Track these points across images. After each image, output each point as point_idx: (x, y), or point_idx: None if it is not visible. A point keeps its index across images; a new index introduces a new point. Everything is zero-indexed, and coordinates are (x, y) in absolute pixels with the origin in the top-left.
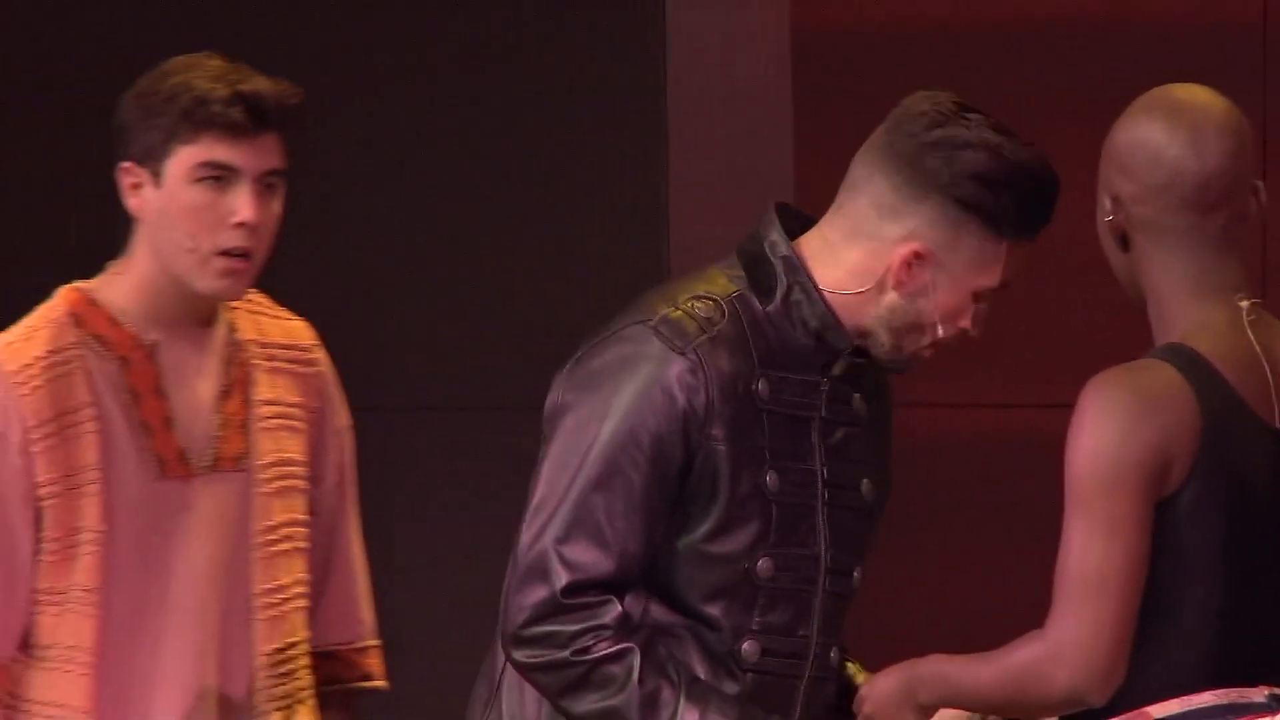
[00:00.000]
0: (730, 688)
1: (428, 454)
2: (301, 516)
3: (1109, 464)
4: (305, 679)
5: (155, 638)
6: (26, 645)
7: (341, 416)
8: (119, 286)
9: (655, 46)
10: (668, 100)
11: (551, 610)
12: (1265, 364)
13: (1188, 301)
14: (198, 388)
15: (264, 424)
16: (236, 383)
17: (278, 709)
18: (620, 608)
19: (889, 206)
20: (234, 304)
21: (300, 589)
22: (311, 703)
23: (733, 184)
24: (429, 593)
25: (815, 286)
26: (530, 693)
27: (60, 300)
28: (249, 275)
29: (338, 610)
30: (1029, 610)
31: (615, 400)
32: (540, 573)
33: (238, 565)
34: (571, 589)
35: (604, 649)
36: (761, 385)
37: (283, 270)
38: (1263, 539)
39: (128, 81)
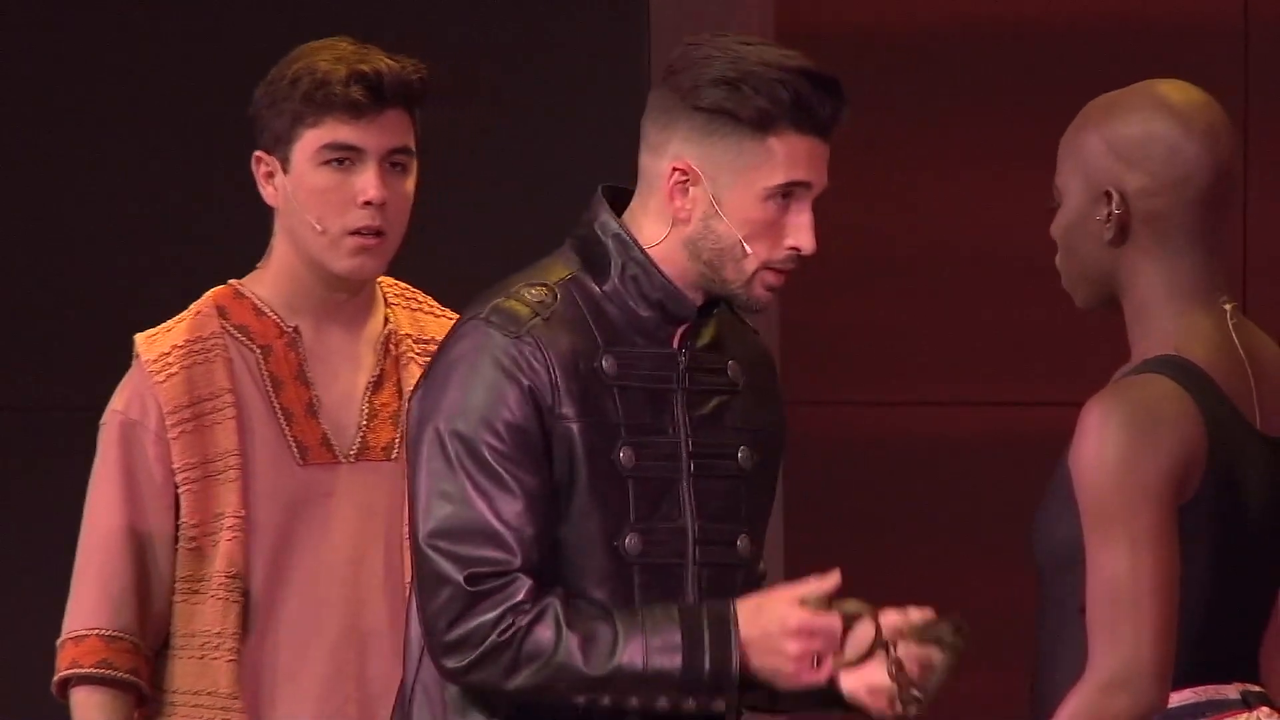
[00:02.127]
0: None
1: None
2: None
3: (1134, 478)
4: None
5: (301, 623)
6: (169, 635)
7: None
8: (263, 278)
9: (638, 48)
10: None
11: (462, 605)
12: (1249, 370)
13: (1177, 303)
14: (347, 377)
15: None
16: (388, 374)
17: None
18: (530, 581)
19: (655, 144)
20: (394, 301)
21: None
22: None
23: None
24: None
25: (648, 257)
26: (439, 704)
27: (209, 295)
28: (383, 253)
29: None
30: (1029, 607)
31: (463, 397)
32: (439, 576)
33: (388, 553)
34: (473, 579)
35: (525, 619)
36: (606, 362)
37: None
38: (1250, 541)
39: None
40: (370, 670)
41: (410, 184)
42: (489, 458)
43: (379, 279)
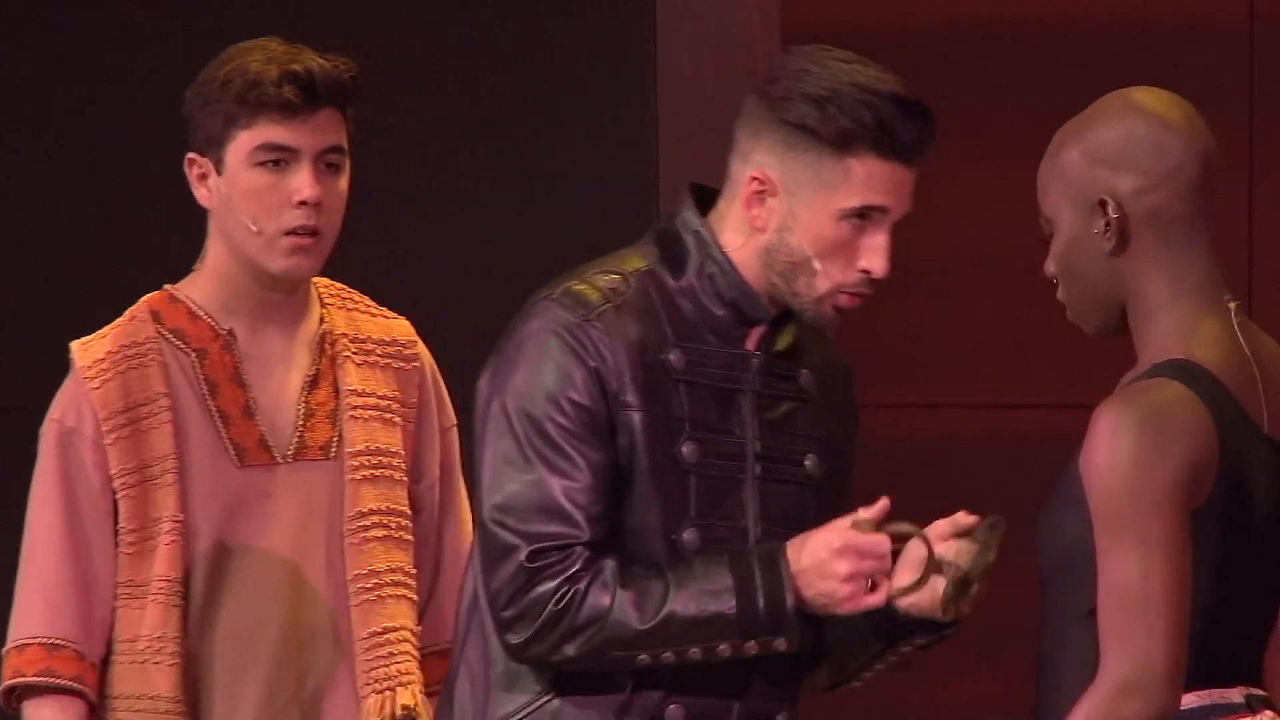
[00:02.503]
0: (671, 665)
1: None
2: (399, 507)
3: (1146, 483)
4: (408, 665)
5: (242, 625)
6: (111, 641)
7: (445, 415)
8: (198, 281)
9: (645, 48)
10: (658, 101)
11: (524, 580)
12: (1256, 371)
13: (1183, 304)
14: (283, 377)
15: (354, 413)
16: (324, 373)
17: (377, 692)
18: (588, 553)
19: (742, 151)
20: (329, 301)
21: (398, 578)
22: (415, 688)
23: (723, 184)
24: None
25: (727, 258)
26: (483, 682)
27: (144, 300)
28: (318, 252)
29: (451, 608)
30: (1029, 608)
31: (530, 373)
32: (502, 551)
33: (328, 552)
34: (535, 554)
35: (582, 585)
36: (674, 356)
37: None
38: (1257, 546)
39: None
40: (312, 669)
41: (344, 183)
42: (555, 435)
43: (314, 279)
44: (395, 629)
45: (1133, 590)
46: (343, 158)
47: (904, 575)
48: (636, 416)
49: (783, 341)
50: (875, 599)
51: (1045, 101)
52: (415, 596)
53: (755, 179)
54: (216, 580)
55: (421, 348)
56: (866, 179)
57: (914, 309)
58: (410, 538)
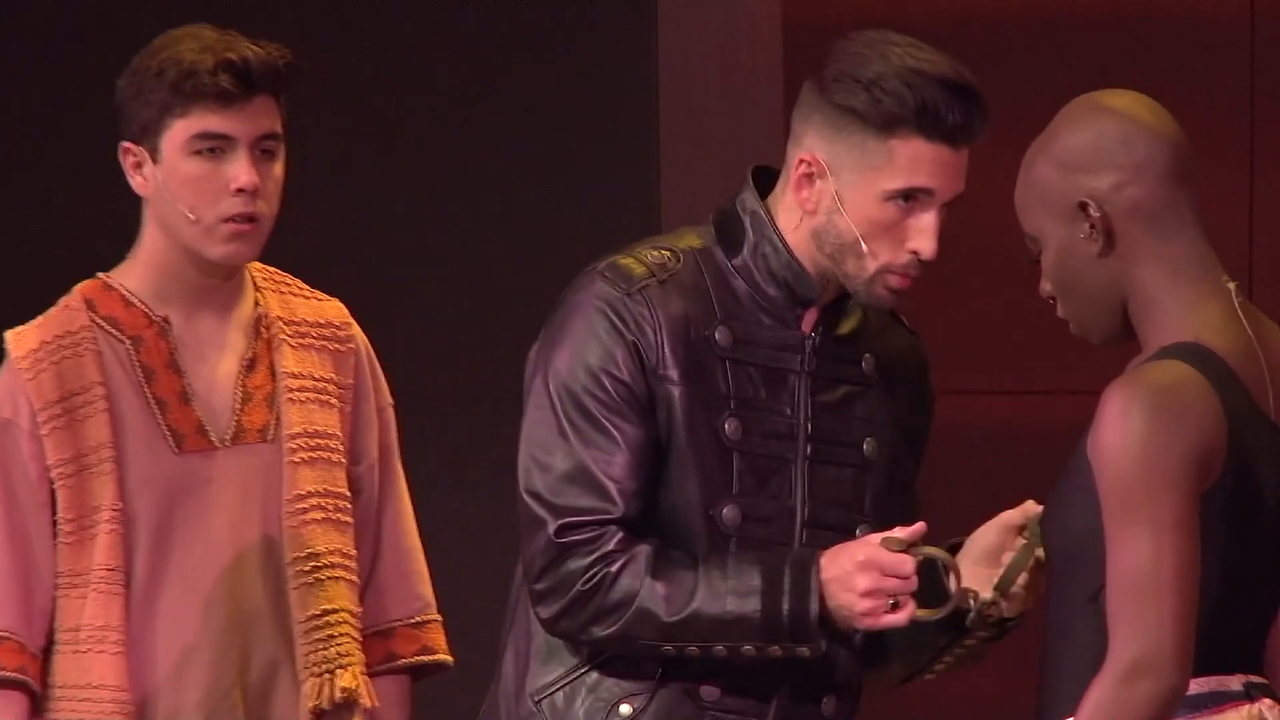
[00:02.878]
0: None
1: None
2: (337, 489)
3: (1157, 464)
4: (349, 646)
5: (184, 611)
6: (53, 631)
7: (381, 396)
8: (132, 269)
9: (647, 40)
10: (659, 93)
11: (554, 554)
12: (1260, 354)
13: (1184, 290)
14: (218, 362)
15: (291, 396)
16: (261, 357)
17: (315, 675)
18: (622, 532)
19: (796, 134)
20: (263, 285)
21: (338, 559)
22: (355, 669)
23: (724, 177)
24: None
25: (781, 238)
26: (525, 656)
27: (77, 288)
28: (257, 238)
29: (392, 588)
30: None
31: (571, 346)
32: (535, 522)
33: (267, 535)
34: (564, 529)
35: (615, 567)
36: (720, 333)
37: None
38: (1261, 533)
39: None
40: (254, 652)
41: (280, 168)
42: (593, 409)
43: (248, 264)
44: (334, 611)
45: (1143, 572)
46: (278, 144)
47: (931, 605)
48: (676, 391)
49: (846, 325)
50: (896, 618)
51: (1047, 94)
52: (355, 578)
53: (804, 161)
54: (157, 567)
55: (356, 329)
56: (911, 161)
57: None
58: (349, 520)
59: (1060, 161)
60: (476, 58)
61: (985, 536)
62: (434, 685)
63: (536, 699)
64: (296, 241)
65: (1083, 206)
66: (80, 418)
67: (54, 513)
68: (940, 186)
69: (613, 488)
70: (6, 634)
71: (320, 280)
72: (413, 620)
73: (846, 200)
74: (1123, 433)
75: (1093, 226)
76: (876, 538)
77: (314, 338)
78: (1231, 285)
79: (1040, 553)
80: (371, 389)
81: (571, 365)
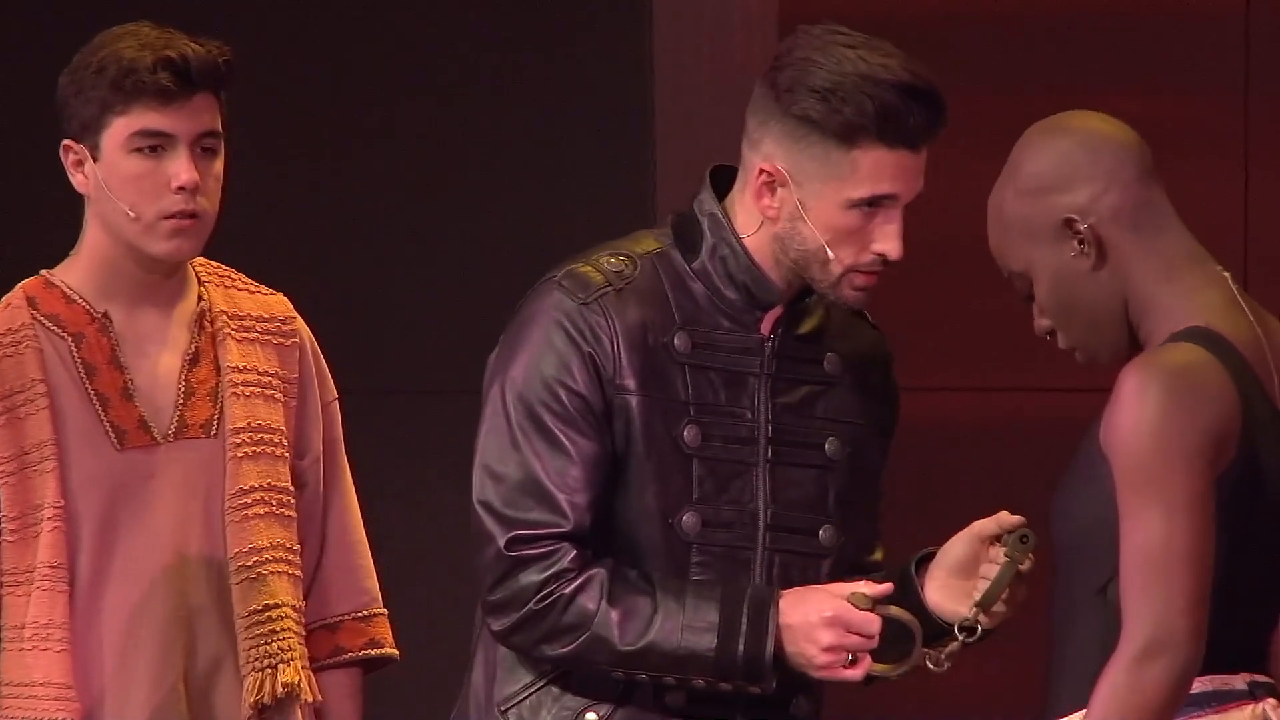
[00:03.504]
0: None
1: (417, 437)
2: (281, 483)
3: (1173, 443)
4: (290, 641)
5: (128, 607)
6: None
7: (326, 390)
8: (74, 266)
9: (642, 33)
10: (655, 87)
11: (505, 567)
12: (1265, 342)
13: (1181, 280)
14: (160, 358)
15: (235, 390)
16: (204, 351)
17: (257, 670)
18: (576, 550)
19: (753, 140)
20: (206, 279)
21: (280, 554)
22: (297, 664)
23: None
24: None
25: (740, 241)
26: (493, 664)
27: (19, 287)
28: (198, 233)
29: (338, 582)
30: (1037, 594)
31: (527, 357)
32: (484, 536)
33: (210, 530)
34: (515, 541)
35: (569, 588)
36: (679, 339)
37: (272, 266)
38: (1267, 525)
39: None
40: (200, 647)
41: (220, 165)
42: (547, 421)
43: (190, 261)
44: (276, 606)
45: (1156, 551)
46: (218, 141)
47: (889, 663)
48: (634, 400)
49: (807, 325)
50: (852, 674)
51: (1043, 89)
52: (298, 572)
53: (764, 171)
54: (101, 564)
55: (300, 323)
56: (874, 169)
57: (911, 294)
58: (292, 514)
59: (1031, 189)
60: (470, 51)
61: (957, 547)
62: (387, 682)
63: (503, 708)
64: (279, 236)
65: (1068, 223)
66: (21, 416)
67: None
68: (903, 190)
69: (564, 500)
70: None
71: (296, 276)
72: (359, 614)
73: (810, 209)
74: (1139, 412)
75: (1082, 241)
76: (842, 589)
77: (258, 331)
78: (1226, 274)
79: (1023, 567)
80: (316, 383)
81: (527, 376)
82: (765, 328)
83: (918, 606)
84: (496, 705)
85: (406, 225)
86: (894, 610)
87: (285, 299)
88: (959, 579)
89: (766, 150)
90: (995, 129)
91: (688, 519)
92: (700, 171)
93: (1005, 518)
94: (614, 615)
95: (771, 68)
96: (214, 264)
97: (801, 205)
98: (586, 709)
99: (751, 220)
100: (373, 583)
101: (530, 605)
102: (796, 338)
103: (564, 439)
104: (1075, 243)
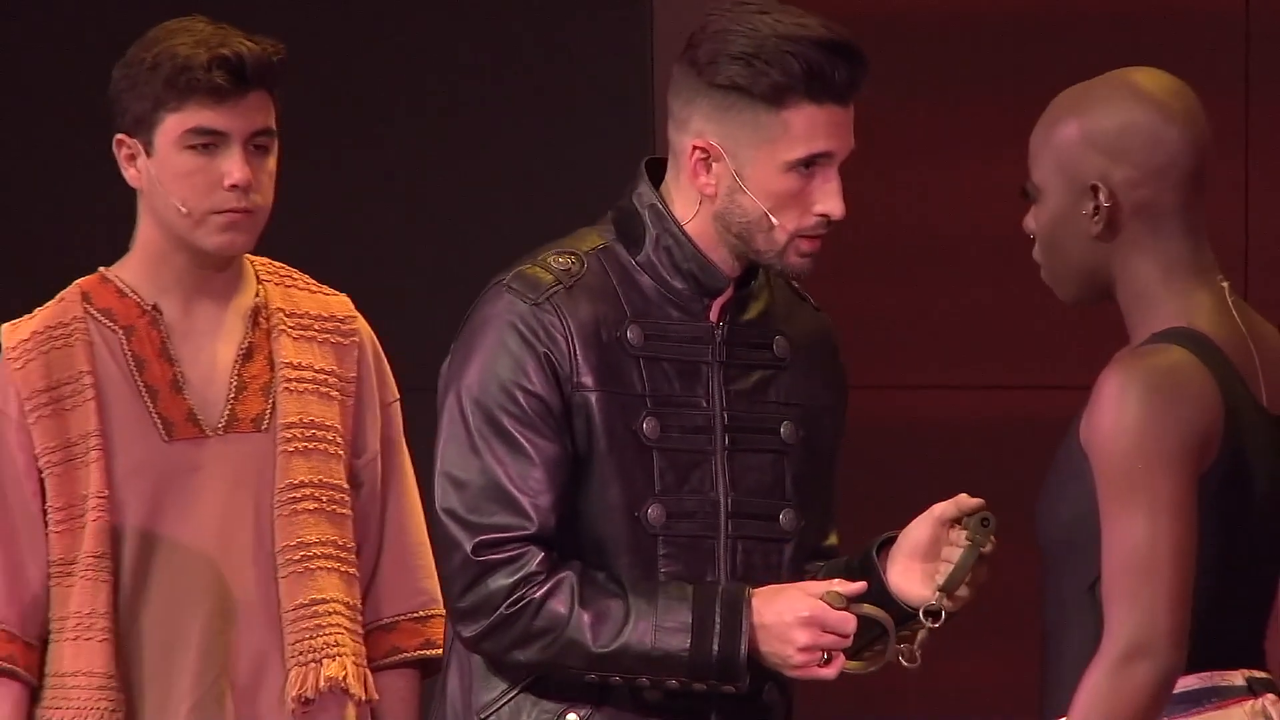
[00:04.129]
0: None
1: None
2: (333, 480)
3: (1155, 445)
4: (338, 637)
5: (172, 599)
6: (48, 620)
7: (387, 390)
8: (128, 262)
9: (642, 32)
10: (654, 89)
11: (473, 574)
12: (1252, 346)
13: (1177, 283)
14: (213, 351)
15: (288, 386)
16: (259, 346)
17: (300, 664)
18: (543, 553)
19: (679, 121)
20: (266, 278)
21: (329, 550)
22: (345, 660)
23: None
24: None
25: (682, 230)
26: (467, 671)
27: (76, 283)
28: (251, 227)
29: (394, 582)
30: (1020, 589)
31: (481, 362)
32: (449, 543)
33: (258, 525)
34: (481, 546)
35: (539, 592)
36: (632, 332)
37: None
38: (1256, 523)
39: None
40: (244, 642)
41: (273, 162)
42: (506, 425)
43: (251, 258)
44: (324, 601)
45: (1139, 554)
46: (271, 139)
47: (862, 659)
48: (593, 397)
49: (753, 310)
50: (827, 672)
51: (1040, 88)
52: (352, 570)
53: (697, 148)
54: (145, 555)
55: (361, 323)
56: (807, 128)
57: (898, 292)
58: (346, 512)
59: (1086, 134)
60: (472, 52)
61: (917, 531)
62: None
63: (482, 715)
64: (296, 237)
65: (1094, 189)
66: (68, 407)
67: (45, 502)
68: (837, 147)
69: (528, 503)
70: None
71: (319, 274)
72: (415, 614)
73: (747, 178)
74: (1119, 414)
75: (1097, 209)
76: (816, 588)
77: (316, 330)
78: (1225, 284)
79: (985, 549)
80: (375, 383)
81: (483, 381)
82: (714, 315)
83: (880, 591)
84: (475, 713)
85: (405, 225)
86: (867, 608)
87: (347, 299)
88: (920, 563)
89: (696, 127)
90: (985, 127)
91: (652, 511)
92: None
93: (964, 500)
94: (586, 618)
95: (687, 47)
96: (276, 264)
97: (739, 175)
98: (566, 710)
99: (689, 205)
100: (432, 583)
101: (500, 610)
102: (744, 323)
103: (524, 441)
104: (1092, 207)
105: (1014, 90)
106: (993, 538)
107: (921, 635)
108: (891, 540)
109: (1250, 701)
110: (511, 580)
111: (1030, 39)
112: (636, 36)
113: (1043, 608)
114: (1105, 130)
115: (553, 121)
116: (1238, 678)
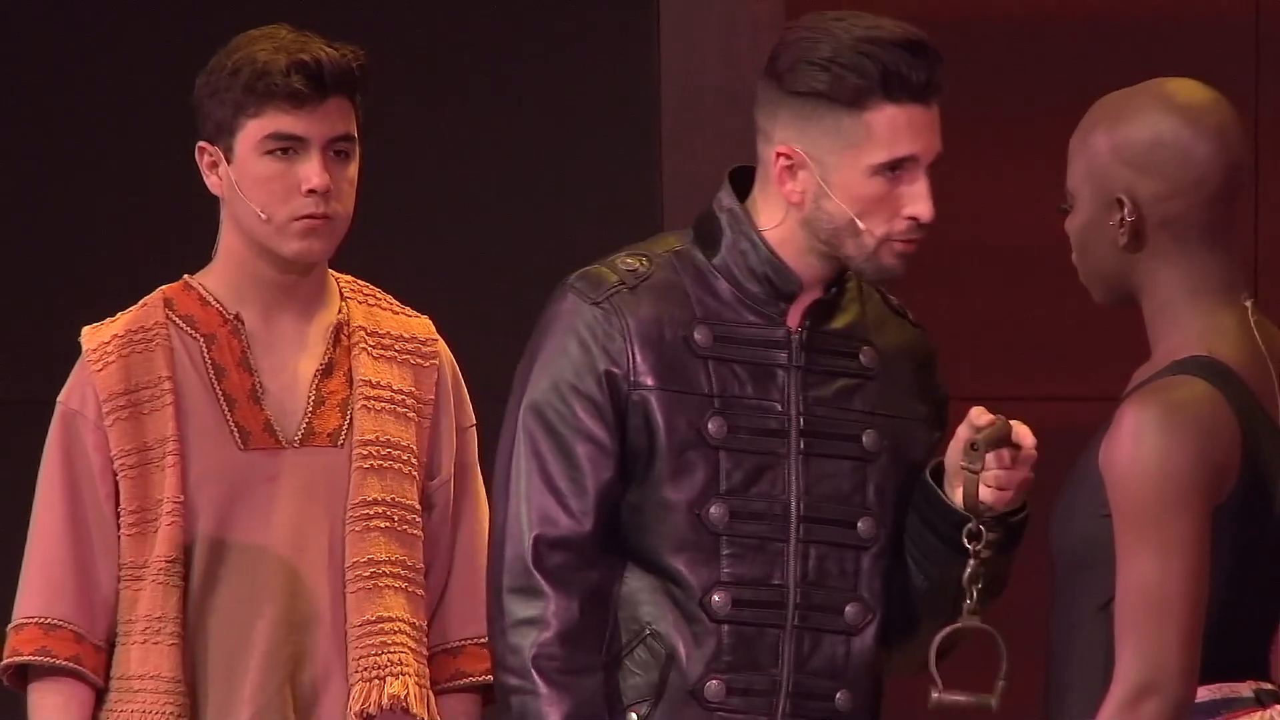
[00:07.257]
0: (708, 642)
1: None
2: (405, 500)
3: (1170, 483)
4: (402, 656)
5: (240, 606)
6: (116, 623)
7: (464, 414)
8: (211, 270)
9: (648, 37)
10: (661, 94)
11: (523, 574)
12: (1270, 366)
13: (1201, 301)
14: (294, 364)
15: (365, 404)
16: (338, 362)
17: (365, 680)
18: (577, 604)
19: (764, 132)
20: (350, 295)
21: (398, 569)
22: (408, 679)
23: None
24: None
25: (759, 234)
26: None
27: (160, 289)
28: (330, 233)
29: (462, 606)
30: (1028, 605)
31: (542, 364)
32: (509, 537)
33: (329, 539)
34: (537, 544)
35: (542, 690)
36: (700, 333)
37: None
38: (1272, 542)
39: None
40: (309, 655)
41: (353, 169)
42: (554, 423)
43: (336, 275)
44: (390, 619)
45: (1150, 591)
46: (352, 145)
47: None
48: (653, 395)
49: (840, 319)
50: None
51: (1052, 95)
52: (419, 591)
53: (781, 155)
54: (215, 562)
55: (442, 346)
56: (889, 130)
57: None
58: (417, 533)
59: (1116, 146)
60: (477, 56)
61: (951, 452)
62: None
63: None
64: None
65: (1119, 202)
66: (146, 411)
67: (118, 504)
68: (922, 149)
69: (581, 510)
70: (62, 622)
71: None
72: (481, 639)
73: (833, 183)
74: (1137, 450)
75: (1123, 222)
76: None
77: (396, 350)
78: (1248, 303)
79: (979, 472)
80: (453, 406)
81: (542, 383)
82: (793, 320)
83: (942, 508)
84: None
85: (410, 230)
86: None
87: (429, 322)
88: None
89: (780, 136)
90: (1001, 135)
91: (715, 510)
92: (706, 177)
93: (974, 418)
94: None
95: (769, 60)
96: (361, 282)
97: (824, 181)
98: (628, 707)
99: (776, 212)
100: None
101: (510, 649)
102: (828, 331)
103: (576, 445)
104: (1119, 218)
105: (1024, 98)
106: (984, 458)
107: (977, 586)
108: (940, 466)
109: (1260, 713)
110: (530, 640)
111: (1038, 45)
112: (643, 48)
113: (1049, 621)
114: (1134, 143)
115: (556, 133)
116: (1246, 689)
